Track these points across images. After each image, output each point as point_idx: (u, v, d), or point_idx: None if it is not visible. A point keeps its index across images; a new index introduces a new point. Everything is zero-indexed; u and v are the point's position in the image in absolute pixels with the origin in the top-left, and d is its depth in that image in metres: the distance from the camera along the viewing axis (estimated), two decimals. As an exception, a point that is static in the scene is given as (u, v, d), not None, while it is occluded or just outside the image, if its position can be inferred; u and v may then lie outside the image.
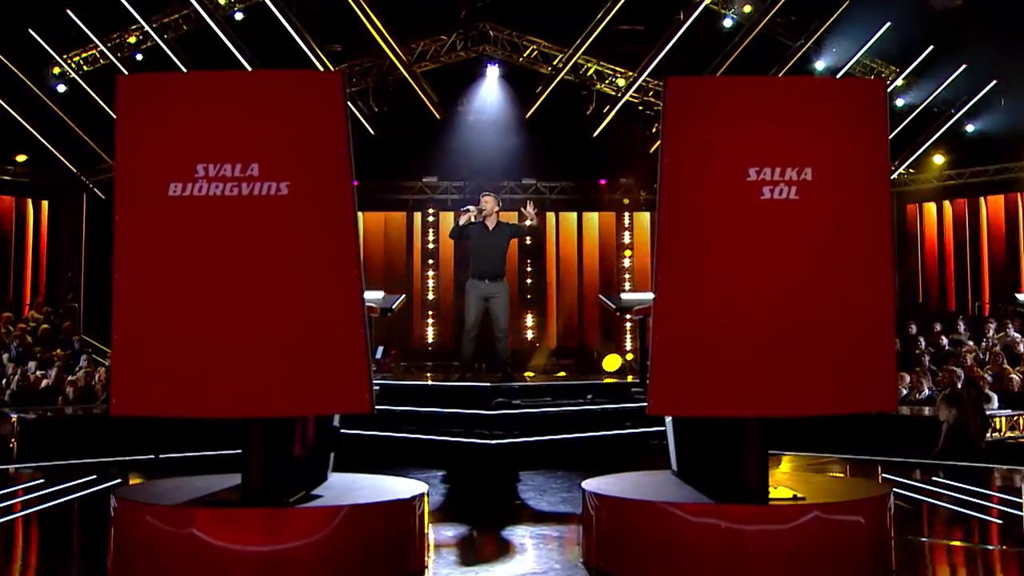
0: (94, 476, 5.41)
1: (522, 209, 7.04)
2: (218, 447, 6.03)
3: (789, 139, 3.01)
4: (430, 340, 13.49)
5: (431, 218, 13.87)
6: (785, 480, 3.61)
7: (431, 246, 13.78)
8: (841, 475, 5.86)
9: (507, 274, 7.03)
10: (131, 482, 5.35)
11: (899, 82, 12.29)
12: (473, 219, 6.76)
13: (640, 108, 12.85)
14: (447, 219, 13.82)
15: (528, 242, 13.64)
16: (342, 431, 3.74)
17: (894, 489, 3.60)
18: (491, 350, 7.80)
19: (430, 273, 13.68)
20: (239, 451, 3.13)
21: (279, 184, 2.92)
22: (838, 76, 11.73)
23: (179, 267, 2.92)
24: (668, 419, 3.94)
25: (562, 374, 11.96)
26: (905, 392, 8.23)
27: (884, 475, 5.59)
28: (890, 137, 3.27)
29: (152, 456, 6.44)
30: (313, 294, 2.92)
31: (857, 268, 3.00)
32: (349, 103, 3.05)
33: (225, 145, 2.92)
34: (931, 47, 11.87)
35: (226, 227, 2.92)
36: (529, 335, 13.71)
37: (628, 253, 14.09)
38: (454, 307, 13.35)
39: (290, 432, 3.23)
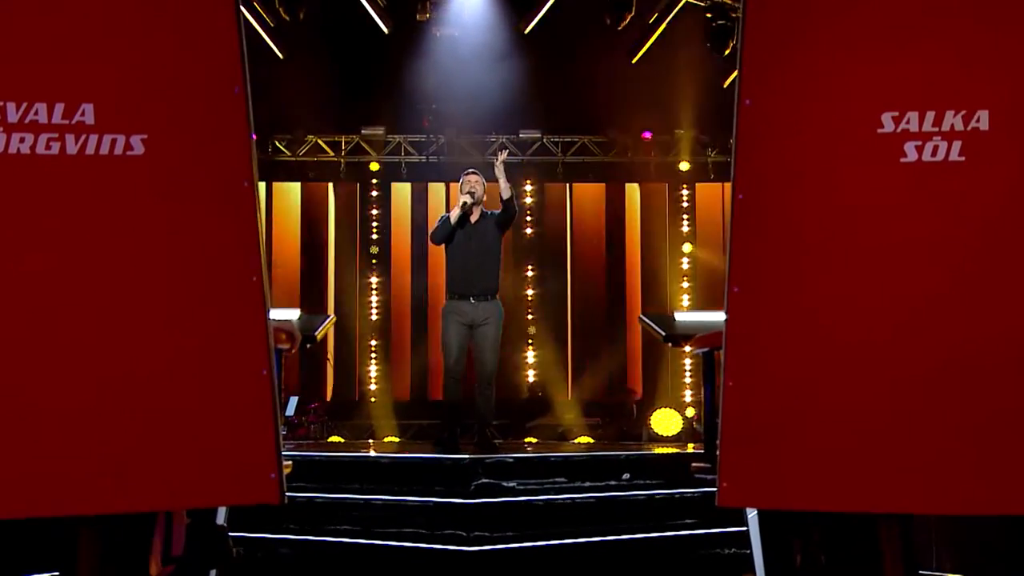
0: None
1: (494, 160, 7.14)
2: (22, 567, 5.97)
3: (949, 65, 2.97)
4: (373, 386, 13.49)
5: (375, 192, 13.90)
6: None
7: (375, 236, 13.80)
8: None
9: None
10: None
11: None
12: (471, 211, 6.85)
13: (708, 16, 12.85)
14: (401, 193, 13.86)
15: (529, 232, 13.63)
16: (231, 534, 3.75)
17: None
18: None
19: (373, 280, 13.69)
20: (54, 574, 3.09)
21: (129, 138, 2.89)
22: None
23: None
24: (751, 514, 3.94)
25: (583, 440, 11.96)
26: None
27: None
28: None
29: None
30: (186, 314, 2.89)
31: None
32: (243, 8, 3.03)
33: (37, 74, 2.88)
34: None
35: (38, 205, 2.87)
36: (531, 378, 13.69)
37: (687, 249, 14.11)
38: (412, 336, 13.36)
39: (143, 538, 3.21)
